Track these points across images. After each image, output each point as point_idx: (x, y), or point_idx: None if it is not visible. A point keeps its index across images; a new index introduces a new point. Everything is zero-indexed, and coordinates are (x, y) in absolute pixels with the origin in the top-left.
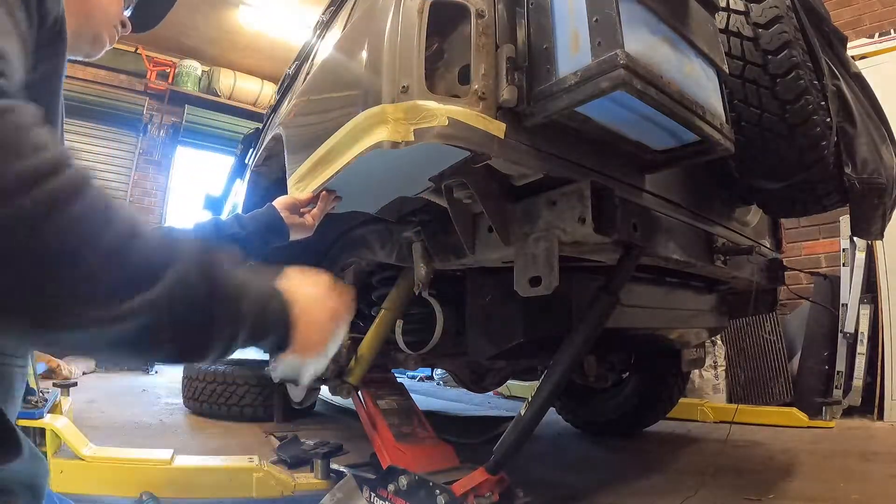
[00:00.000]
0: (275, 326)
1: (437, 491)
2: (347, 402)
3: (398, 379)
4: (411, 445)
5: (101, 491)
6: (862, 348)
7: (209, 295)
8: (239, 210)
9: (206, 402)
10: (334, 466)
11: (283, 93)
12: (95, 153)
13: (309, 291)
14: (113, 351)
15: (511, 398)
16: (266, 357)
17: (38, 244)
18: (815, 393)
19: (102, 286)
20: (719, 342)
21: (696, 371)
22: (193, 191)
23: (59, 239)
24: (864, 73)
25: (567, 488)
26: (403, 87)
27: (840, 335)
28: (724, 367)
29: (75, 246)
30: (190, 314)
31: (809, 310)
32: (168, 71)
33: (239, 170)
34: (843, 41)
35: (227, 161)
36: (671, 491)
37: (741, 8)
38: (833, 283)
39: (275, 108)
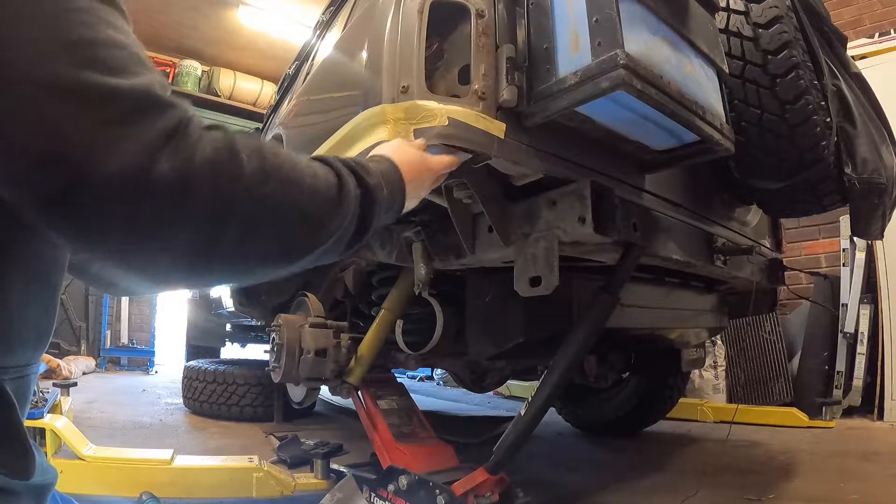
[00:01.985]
0: (400, 193)
1: (437, 491)
2: (347, 402)
3: (398, 379)
4: (411, 445)
5: (101, 491)
6: (862, 348)
7: (365, 197)
8: None
9: (206, 402)
10: (334, 466)
11: (283, 93)
12: None
13: (409, 157)
14: (315, 262)
15: (511, 398)
16: (265, 357)
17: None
18: (815, 393)
19: (315, 219)
20: (719, 342)
21: (696, 371)
22: None
23: (280, 197)
24: (864, 73)
25: (567, 488)
26: (403, 87)
27: (840, 335)
28: (724, 367)
29: (294, 199)
30: (358, 216)
31: (809, 310)
32: (168, 71)
33: None
34: (843, 41)
35: None
36: (671, 491)
37: (741, 8)
38: (833, 283)
39: (275, 108)
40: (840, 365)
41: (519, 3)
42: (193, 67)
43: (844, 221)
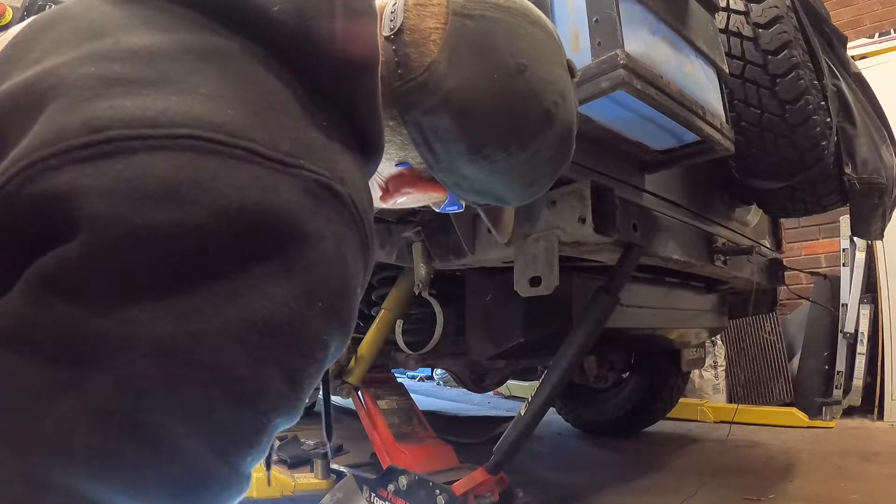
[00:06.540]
0: None
1: (437, 491)
2: (347, 402)
3: (398, 379)
4: (411, 445)
5: None
6: (862, 348)
7: None
8: None
9: None
10: (334, 466)
11: None
12: None
13: None
14: None
15: (511, 398)
16: None
17: None
18: (815, 393)
19: None
20: (719, 342)
21: (696, 371)
22: None
23: None
24: (864, 73)
25: (567, 488)
26: None
27: (840, 335)
28: (724, 367)
29: None
30: None
31: (809, 310)
32: None
33: None
34: (843, 41)
35: None
36: (671, 491)
37: (741, 8)
38: (833, 283)
39: None
40: (840, 365)
41: None
42: None
43: (844, 221)
